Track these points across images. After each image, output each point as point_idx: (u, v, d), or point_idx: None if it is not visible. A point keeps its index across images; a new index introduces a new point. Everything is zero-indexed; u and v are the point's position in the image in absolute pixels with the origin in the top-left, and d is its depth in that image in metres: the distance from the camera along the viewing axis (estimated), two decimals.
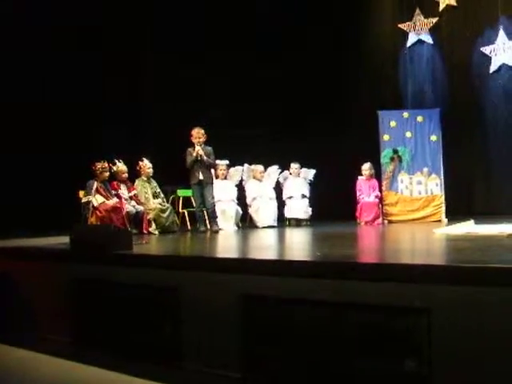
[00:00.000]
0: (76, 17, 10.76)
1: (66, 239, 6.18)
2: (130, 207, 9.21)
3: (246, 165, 10.86)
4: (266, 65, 12.33)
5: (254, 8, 12.38)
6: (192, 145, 9.28)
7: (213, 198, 9.44)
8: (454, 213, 10.35)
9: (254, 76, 12.29)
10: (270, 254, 5.80)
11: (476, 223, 8.27)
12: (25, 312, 6.09)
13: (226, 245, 7.40)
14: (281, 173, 11.05)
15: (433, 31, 12.02)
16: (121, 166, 9.56)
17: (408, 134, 10.74)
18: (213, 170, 9.86)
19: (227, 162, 10.66)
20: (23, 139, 10.06)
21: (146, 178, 9.84)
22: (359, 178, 10.82)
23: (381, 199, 10.69)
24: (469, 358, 3.32)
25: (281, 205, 10.85)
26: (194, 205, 9.86)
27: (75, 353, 5.25)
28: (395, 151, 10.74)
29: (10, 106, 9.90)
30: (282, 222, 10.78)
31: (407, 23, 12.22)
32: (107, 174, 9.19)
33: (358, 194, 10.69)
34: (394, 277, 3.68)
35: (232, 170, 10.78)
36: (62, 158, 10.19)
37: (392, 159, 10.75)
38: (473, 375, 3.31)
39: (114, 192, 9.24)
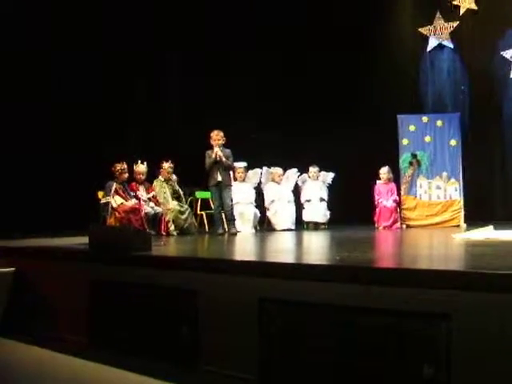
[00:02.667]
0: (100, 15, 10.88)
1: (85, 240, 6.21)
2: (148, 208, 9.23)
3: (264, 167, 10.85)
4: (287, 68, 12.36)
5: (276, 8, 12.39)
6: (211, 147, 9.29)
7: (231, 200, 9.43)
8: (473, 218, 10.29)
9: (275, 78, 12.31)
10: (288, 257, 5.79)
11: (495, 229, 8.22)
12: (42, 311, 6.12)
13: (244, 247, 7.39)
14: (299, 176, 11.04)
15: (453, 35, 11.98)
16: (139, 167, 9.57)
17: (427, 139, 10.72)
18: (231, 173, 9.86)
19: (245, 164, 10.66)
20: (44, 139, 10.13)
21: (163, 179, 9.85)
22: (377, 182, 10.80)
23: (399, 203, 10.66)
24: (488, 365, 3.29)
25: (299, 208, 10.84)
26: (213, 207, 9.87)
27: (92, 353, 5.27)
28: (414, 155, 10.72)
29: (32, 105, 9.98)
30: (300, 225, 10.76)
31: (427, 27, 12.20)
32: (126, 175, 9.22)
33: (376, 197, 10.66)
34: (413, 282, 3.66)
35: (250, 172, 10.78)
36: (82, 159, 10.24)
37: (411, 163, 10.72)
38: (492, 382, 3.29)
39: (132, 193, 9.27)
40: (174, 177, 9.93)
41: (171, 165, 9.89)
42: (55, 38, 10.31)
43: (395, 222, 10.45)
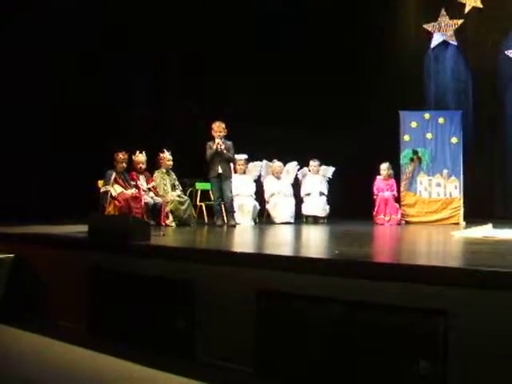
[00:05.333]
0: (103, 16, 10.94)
1: (85, 228, 6.22)
2: (148, 198, 9.22)
3: (264, 160, 10.86)
4: (289, 63, 12.34)
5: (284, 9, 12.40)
6: (212, 138, 9.29)
7: (231, 192, 9.43)
8: (472, 216, 10.29)
9: (277, 73, 12.29)
10: (286, 250, 5.80)
11: (494, 227, 8.23)
12: (40, 298, 6.13)
13: (243, 239, 7.41)
14: (299, 169, 11.05)
15: (458, 33, 11.93)
16: (138, 157, 9.55)
17: (428, 136, 10.71)
18: (232, 165, 9.86)
19: (246, 156, 10.66)
20: (46, 129, 10.17)
21: (165, 170, 9.84)
22: (377, 177, 10.79)
23: (398, 200, 10.66)
24: (484, 361, 3.31)
25: (298, 202, 10.84)
26: (212, 198, 9.87)
27: (89, 341, 5.28)
28: (415, 152, 10.71)
29: (35, 99, 10.07)
30: (300, 218, 10.77)
31: (432, 24, 12.14)
32: (123, 164, 9.18)
33: (375, 191, 10.65)
34: (411, 278, 3.67)
35: (251, 165, 10.79)
36: (84, 148, 10.27)
37: (412, 160, 10.72)
38: (488, 378, 3.30)
39: (132, 182, 9.26)
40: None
41: (170, 156, 9.87)
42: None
43: (396, 212, 10.44)
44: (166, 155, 9.83)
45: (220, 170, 9.25)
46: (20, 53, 9.94)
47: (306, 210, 10.78)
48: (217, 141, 9.17)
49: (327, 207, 10.83)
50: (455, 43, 11.96)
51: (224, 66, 12.35)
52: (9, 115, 9.75)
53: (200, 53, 12.34)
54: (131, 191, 9.02)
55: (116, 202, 8.79)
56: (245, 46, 12.35)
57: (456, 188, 10.53)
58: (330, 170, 11.14)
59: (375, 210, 10.56)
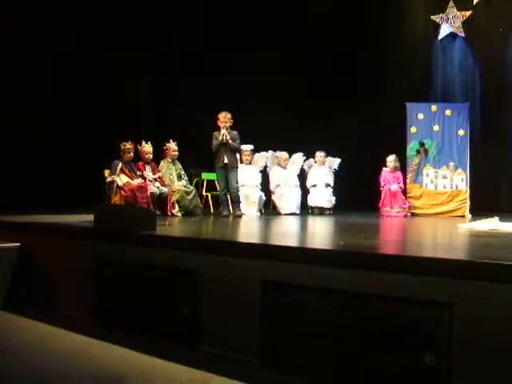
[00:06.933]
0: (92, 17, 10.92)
1: (90, 217, 6.22)
2: (154, 188, 9.23)
3: (270, 151, 10.87)
4: (295, 55, 12.31)
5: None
6: (218, 128, 9.28)
7: (237, 182, 9.43)
8: (479, 209, 10.27)
9: (281, 65, 12.27)
10: (292, 241, 5.79)
11: (500, 220, 8.19)
12: (46, 287, 6.14)
13: (248, 230, 7.39)
14: (305, 160, 11.04)
15: (465, 24, 11.88)
16: (145, 147, 9.57)
17: (435, 128, 10.69)
18: (238, 155, 9.85)
19: (252, 146, 10.66)
20: (53, 118, 10.19)
21: (170, 160, 9.86)
22: (384, 169, 10.78)
23: (404, 192, 10.65)
24: (489, 354, 3.30)
25: (304, 193, 10.84)
26: (218, 188, 9.88)
27: (94, 330, 5.29)
28: (422, 144, 10.70)
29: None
30: (305, 210, 10.77)
31: (440, 15, 12.10)
32: (130, 155, 9.21)
33: (382, 183, 10.64)
34: (416, 270, 3.66)
35: (257, 155, 10.79)
36: (91, 137, 10.29)
37: (418, 152, 10.71)
38: (493, 371, 3.30)
39: (139, 173, 9.28)
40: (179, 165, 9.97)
41: (176, 147, 9.88)
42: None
43: (403, 204, 10.44)
44: (172, 145, 9.85)
45: (226, 160, 9.25)
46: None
47: (312, 201, 10.77)
48: (223, 131, 9.17)
49: (333, 198, 10.83)
50: (463, 35, 11.92)
51: (226, 60, 12.36)
52: (18, 101, 9.80)
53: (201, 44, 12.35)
54: (137, 181, 9.04)
55: (122, 191, 8.81)
56: (247, 38, 12.33)
57: (462, 180, 10.51)
58: (335, 162, 11.13)
59: (381, 201, 10.55)
